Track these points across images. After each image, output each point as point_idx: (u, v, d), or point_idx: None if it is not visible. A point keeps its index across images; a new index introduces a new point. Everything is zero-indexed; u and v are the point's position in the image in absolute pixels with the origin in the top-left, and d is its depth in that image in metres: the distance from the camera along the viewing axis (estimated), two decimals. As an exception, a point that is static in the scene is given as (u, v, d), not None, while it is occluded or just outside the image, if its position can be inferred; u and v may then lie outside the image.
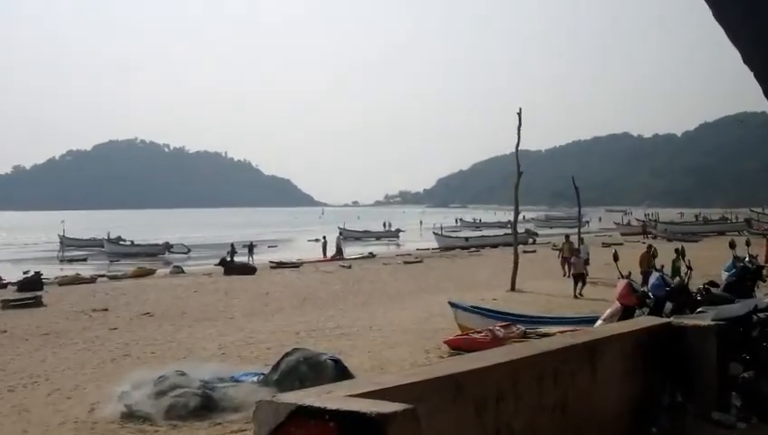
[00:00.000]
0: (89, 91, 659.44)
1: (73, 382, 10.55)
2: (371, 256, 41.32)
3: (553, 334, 8.76)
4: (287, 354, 9.22)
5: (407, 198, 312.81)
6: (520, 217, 27.40)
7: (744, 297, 7.06)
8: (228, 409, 8.21)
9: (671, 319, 5.18)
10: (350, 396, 2.40)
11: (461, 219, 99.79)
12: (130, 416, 8.15)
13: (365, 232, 73.58)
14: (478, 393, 3.03)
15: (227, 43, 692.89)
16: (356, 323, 15.39)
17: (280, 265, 34.77)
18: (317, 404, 2.26)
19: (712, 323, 4.90)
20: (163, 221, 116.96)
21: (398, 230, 72.59)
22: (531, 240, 50.10)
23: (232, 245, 40.55)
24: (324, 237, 46.46)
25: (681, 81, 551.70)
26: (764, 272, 9.15)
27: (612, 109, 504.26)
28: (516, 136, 23.81)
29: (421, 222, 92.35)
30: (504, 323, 11.66)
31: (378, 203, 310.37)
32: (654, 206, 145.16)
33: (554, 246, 32.55)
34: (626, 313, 7.48)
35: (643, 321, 5.54)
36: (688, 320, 5.08)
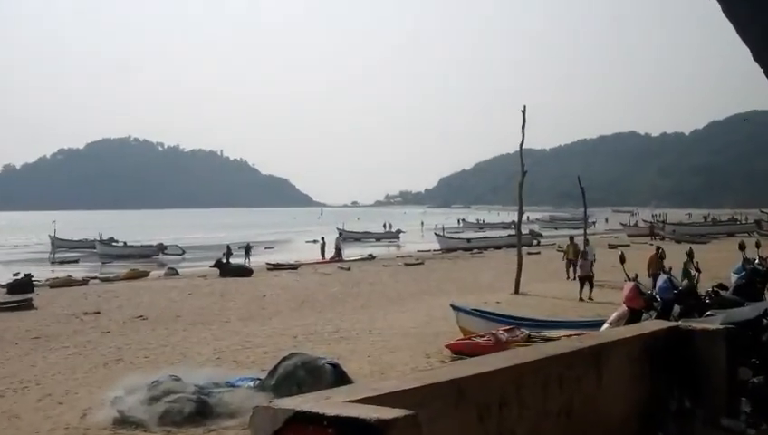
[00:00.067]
0: (81, 88, 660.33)
1: (64, 387, 10.55)
2: (371, 257, 41.32)
3: (558, 338, 8.77)
4: (284, 359, 9.22)
5: (408, 199, 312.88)
6: (524, 217, 27.40)
7: (753, 300, 7.06)
8: (224, 415, 8.21)
9: (679, 323, 5.18)
10: (350, 402, 2.40)
11: (463, 220, 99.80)
12: (123, 422, 8.15)
13: (365, 233, 73.62)
14: (481, 399, 3.03)
15: (225, 42, 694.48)
16: (355, 326, 15.39)
17: (277, 266, 34.77)
18: (315, 410, 2.26)
19: (721, 326, 4.90)
20: (157, 222, 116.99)
21: (399, 231, 72.59)
22: (535, 241, 50.08)
23: (228, 246, 40.63)
24: (323, 238, 46.48)
25: (690, 78, 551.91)
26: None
27: (619, 107, 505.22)
28: (520, 134, 23.81)
29: (422, 223, 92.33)
30: (507, 327, 11.66)
31: (378, 203, 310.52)
32: (661, 206, 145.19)
33: (559, 247, 32.55)
34: (633, 316, 7.48)
35: (650, 325, 5.54)
36: (697, 324, 5.08)
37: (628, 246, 38.50)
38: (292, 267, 34.68)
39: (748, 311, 5.92)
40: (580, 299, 18.73)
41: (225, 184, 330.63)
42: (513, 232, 40.59)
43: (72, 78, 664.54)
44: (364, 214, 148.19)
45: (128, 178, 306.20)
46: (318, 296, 22.03)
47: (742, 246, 9.44)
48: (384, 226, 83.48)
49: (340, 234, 60.28)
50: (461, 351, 11.15)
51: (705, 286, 8.06)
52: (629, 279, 8.17)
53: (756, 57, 5.30)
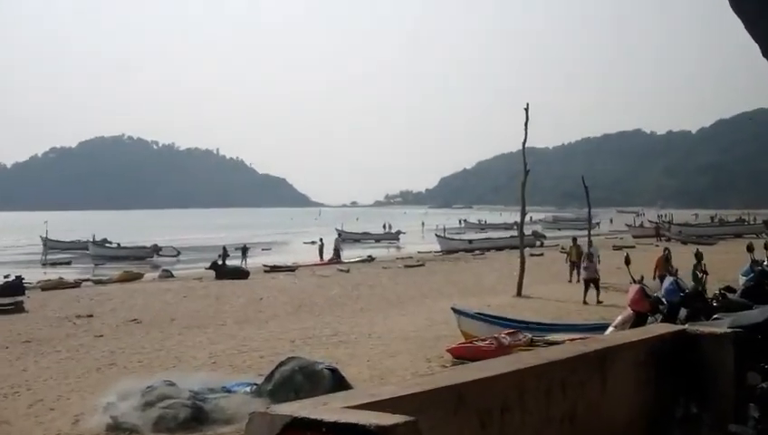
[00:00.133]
0: (74, 86, 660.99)
1: (56, 393, 10.55)
2: (370, 259, 41.33)
3: (562, 342, 8.76)
4: (282, 363, 9.23)
5: (408, 199, 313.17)
6: (527, 218, 27.41)
7: (762, 303, 7.05)
8: (219, 421, 8.22)
9: (686, 326, 5.18)
10: (348, 407, 2.40)
11: (465, 220, 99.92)
12: (116, 428, 8.16)
13: (364, 234, 73.69)
14: (483, 405, 3.03)
15: (223, 41, 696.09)
16: (354, 330, 15.40)
17: (274, 268, 34.77)
18: (313, 416, 2.26)
19: (728, 330, 4.90)
20: (152, 222, 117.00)
21: (399, 232, 72.62)
22: (538, 243, 50.12)
23: (224, 247, 40.62)
24: (321, 240, 46.50)
25: (696, 75, 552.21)
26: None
27: (623, 105, 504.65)
28: (523, 133, 23.85)
29: (423, 223, 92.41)
30: (509, 331, 11.67)
31: (377, 203, 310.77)
32: (667, 206, 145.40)
33: (563, 249, 32.57)
34: (638, 319, 7.48)
35: (656, 328, 5.54)
36: (704, 327, 5.08)
37: (633, 247, 38.51)
38: (290, 269, 34.68)
39: (757, 314, 5.92)
40: (585, 302, 18.73)
41: (221, 183, 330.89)
42: (515, 233, 40.58)
43: (65, 76, 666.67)
44: (363, 214, 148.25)
45: (122, 177, 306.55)
46: (316, 299, 22.04)
47: (750, 248, 9.47)
48: (384, 226, 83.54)
49: (339, 235, 60.32)
50: (462, 355, 11.17)
51: (712, 289, 8.07)
52: (635, 281, 8.18)
53: (765, 54, 5.30)
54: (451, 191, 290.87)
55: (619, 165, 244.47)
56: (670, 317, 7.00)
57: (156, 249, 53.11)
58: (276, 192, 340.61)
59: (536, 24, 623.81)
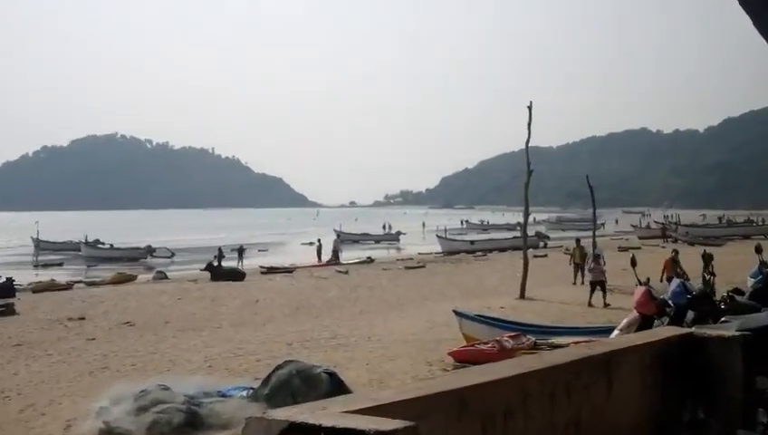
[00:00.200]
0: (66, 84, 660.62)
1: (48, 397, 10.54)
2: (370, 260, 41.34)
3: (566, 346, 8.76)
4: (279, 367, 9.22)
5: (408, 199, 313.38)
6: (530, 218, 27.42)
7: (771, 306, 7.06)
8: (215, 426, 8.21)
9: (693, 329, 5.18)
10: (347, 412, 2.40)
11: (467, 221, 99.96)
12: (109, 433, 8.15)
13: (363, 235, 73.71)
14: (485, 410, 3.03)
15: (221, 40, 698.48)
16: (353, 333, 15.40)
17: (271, 270, 34.77)
18: (311, 421, 2.26)
19: (737, 333, 4.90)
20: (146, 222, 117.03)
21: (399, 233, 72.62)
22: (542, 244, 50.16)
23: (220, 248, 40.63)
24: (319, 240, 46.51)
25: (704, 74, 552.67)
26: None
27: (629, 103, 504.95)
28: (526, 132, 23.83)
29: (424, 224, 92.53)
30: (512, 334, 11.67)
31: (377, 203, 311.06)
32: (674, 207, 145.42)
33: (566, 250, 32.59)
34: (644, 322, 7.49)
35: (663, 331, 5.54)
36: (711, 330, 5.08)
37: (639, 248, 38.60)
38: (287, 271, 34.69)
39: (765, 317, 5.92)
40: (590, 304, 18.72)
41: (216, 183, 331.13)
42: (518, 234, 40.68)
43: (57, 74, 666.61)
44: (362, 215, 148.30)
45: (115, 176, 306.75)
46: (314, 301, 22.04)
47: (758, 249, 9.47)
48: (383, 227, 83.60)
49: (338, 235, 60.33)
50: (464, 358, 11.17)
51: (720, 291, 8.07)
52: (641, 283, 8.19)
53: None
54: (452, 191, 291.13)
55: (624, 164, 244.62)
56: (677, 320, 7.01)
57: (150, 250, 53.10)
58: (273, 192, 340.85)
59: (537, 24, 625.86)
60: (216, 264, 33.66)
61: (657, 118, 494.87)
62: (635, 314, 7.83)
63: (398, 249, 60.41)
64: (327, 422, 2.23)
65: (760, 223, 65.85)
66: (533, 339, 11.31)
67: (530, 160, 23.37)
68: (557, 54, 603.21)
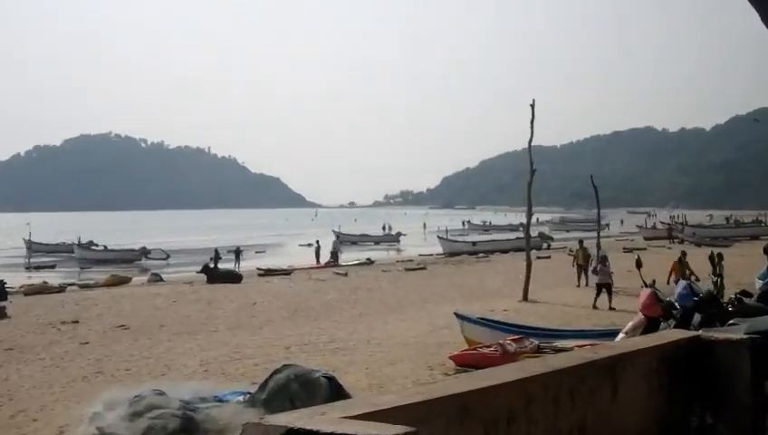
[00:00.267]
0: (58, 82, 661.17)
1: (40, 403, 10.54)
2: (369, 262, 41.35)
3: (570, 349, 8.77)
4: (276, 371, 9.20)
5: (408, 199, 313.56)
6: (533, 219, 27.41)
7: (780, 308, 7.06)
8: (211, 431, 8.19)
9: (700, 332, 5.18)
10: (346, 418, 2.40)
11: (468, 222, 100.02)
12: (103, 439, 8.13)
13: (362, 236, 73.70)
14: (487, 415, 3.03)
15: (220, 39, 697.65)
16: (352, 336, 15.40)
17: (268, 272, 34.77)
18: (309, 427, 2.26)
19: (745, 336, 4.89)
20: (140, 223, 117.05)
21: (399, 234, 72.61)
22: (545, 245, 50.17)
23: (216, 250, 40.58)
24: (318, 242, 46.51)
25: (710, 70, 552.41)
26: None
27: (634, 101, 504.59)
28: (529, 130, 23.83)
29: (424, 225, 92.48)
30: (515, 337, 11.67)
31: (377, 204, 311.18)
32: (680, 207, 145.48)
33: (570, 251, 32.61)
34: (650, 325, 7.49)
35: (669, 334, 5.54)
36: (719, 333, 5.08)
37: (644, 249, 38.62)
38: (285, 273, 34.68)
39: (774, 319, 5.92)
40: (594, 307, 18.72)
41: (213, 183, 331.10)
42: (521, 235, 40.66)
43: (49, 72, 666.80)
44: (362, 215, 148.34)
45: (109, 176, 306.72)
46: (312, 304, 22.04)
47: (767, 250, 9.45)
48: (383, 228, 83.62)
49: (337, 236, 60.33)
50: (466, 362, 11.17)
51: (727, 293, 8.06)
52: (646, 285, 8.19)
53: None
54: (453, 191, 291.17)
55: (629, 163, 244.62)
56: (684, 323, 7.00)
57: (144, 252, 53.07)
58: (271, 192, 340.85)
59: (537, 24, 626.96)
60: (212, 266, 33.65)
61: (662, 116, 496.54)
62: (640, 316, 7.83)
63: (399, 250, 60.41)
64: (326, 428, 2.23)
65: (768, 223, 65.87)
66: (537, 342, 11.31)
67: (533, 159, 23.37)
68: (559, 53, 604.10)
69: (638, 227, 70.06)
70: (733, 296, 7.60)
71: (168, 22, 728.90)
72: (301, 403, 7.48)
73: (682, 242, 48.37)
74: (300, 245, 60.61)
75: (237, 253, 42.83)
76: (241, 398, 9.12)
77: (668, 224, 65.16)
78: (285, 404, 7.83)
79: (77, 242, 59.10)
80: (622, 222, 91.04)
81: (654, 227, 66.95)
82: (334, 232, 66.16)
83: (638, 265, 8.65)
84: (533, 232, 34.84)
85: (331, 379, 9.16)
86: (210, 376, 11.64)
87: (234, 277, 31.31)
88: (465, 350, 12.06)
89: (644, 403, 4.12)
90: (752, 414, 4.53)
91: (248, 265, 40.39)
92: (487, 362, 9.39)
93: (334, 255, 43.02)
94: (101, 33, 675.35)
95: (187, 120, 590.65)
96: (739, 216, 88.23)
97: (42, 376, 12.53)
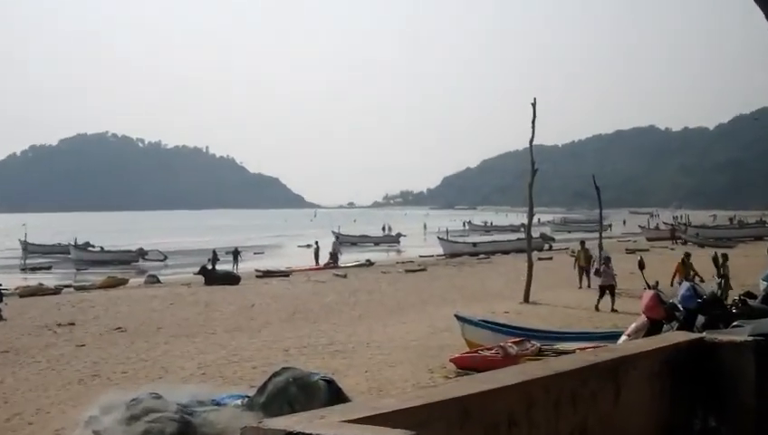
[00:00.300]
0: (55, 82, 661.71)
1: (35, 406, 10.54)
2: (369, 263, 41.35)
3: (572, 352, 8.76)
4: (275, 374, 9.16)
5: (408, 199, 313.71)
6: (535, 219, 27.43)
7: (784, 310, 7.06)
8: (209, 435, 8.20)
9: (703, 334, 5.17)
10: (346, 422, 2.40)
11: (469, 222, 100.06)
12: (99, 443, 8.13)
13: (362, 237, 73.68)
14: (488, 418, 3.03)
15: (219, 39, 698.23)
16: (352, 338, 15.40)
17: (267, 273, 34.78)
18: (309, 431, 2.26)
19: (749, 338, 4.89)
20: (137, 224, 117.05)
21: (399, 235, 72.61)
22: (547, 246, 50.17)
23: (214, 251, 40.63)
24: (317, 243, 46.52)
25: (714, 68, 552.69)
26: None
27: (637, 100, 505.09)
28: (530, 130, 23.84)
29: (425, 225, 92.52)
30: (516, 339, 11.68)
31: (376, 204, 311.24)
32: (683, 207, 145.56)
33: (572, 252, 32.62)
34: (653, 327, 7.48)
35: (672, 336, 5.54)
36: (723, 335, 5.07)
37: (647, 250, 38.64)
38: (284, 274, 34.69)
39: (778, 321, 5.91)
40: (597, 309, 18.72)
41: (210, 183, 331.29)
42: (522, 235, 40.63)
43: (46, 71, 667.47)
44: (362, 215, 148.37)
45: (106, 176, 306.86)
46: (311, 306, 22.05)
47: (771, 251, 9.45)
48: (383, 228, 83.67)
49: (337, 237, 60.33)
50: (467, 365, 11.17)
51: (732, 294, 8.06)
52: (649, 287, 8.17)
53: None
54: (454, 191, 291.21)
55: (632, 163, 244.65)
56: (687, 325, 6.99)
57: (141, 253, 53.09)
58: (269, 193, 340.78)
59: (537, 23, 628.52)
60: (210, 267, 33.68)
61: (665, 115, 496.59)
62: (643, 318, 7.81)
63: (399, 252, 60.40)
64: (325, 432, 2.23)
65: (772, 224, 65.91)
66: (538, 345, 11.32)
67: (534, 159, 23.38)
68: (560, 53, 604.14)
69: (640, 227, 70.02)
70: (737, 298, 7.59)
71: (167, 22, 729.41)
72: (300, 407, 7.45)
73: (685, 243, 48.36)
74: (299, 246, 60.61)
75: (235, 254, 42.82)
76: (239, 401, 9.09)
77: (671, 224, 65.19)
78: (284, 408, 7.80)
79: (73, 243, 59.10)
80: (625, 223, 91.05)
81: (657, 228, 66.94)
82: (333, 233, 66.15)
83: (641, 266, 8.63)
84: (535, 233, 34.89)
85: (330, 382, 9.13)
86: (208, 379, 11.64)
87: (232, 279, 31.32)
88: (466, 352, 12.07)
89: (647, 406, 4.12)
90: (756, 417, 4.53)
91: (246, 266, 40.38)
92: (488, 365, 9.37)
93: (333, 256, 43.01)
94: (101, 33, 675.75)
95: (187, 120, 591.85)
96: (743, 216, 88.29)
97: (37, 379, 12.53)
